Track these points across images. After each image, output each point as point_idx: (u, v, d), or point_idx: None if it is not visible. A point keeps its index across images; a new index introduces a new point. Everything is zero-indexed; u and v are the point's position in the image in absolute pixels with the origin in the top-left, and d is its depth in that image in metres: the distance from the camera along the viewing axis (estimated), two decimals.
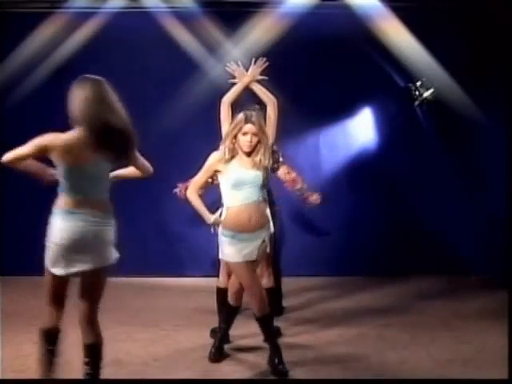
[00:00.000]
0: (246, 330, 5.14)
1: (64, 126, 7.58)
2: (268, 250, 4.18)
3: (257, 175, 4.03)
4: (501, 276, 6.32)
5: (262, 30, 6.56)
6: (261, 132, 4.05)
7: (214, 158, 4.11)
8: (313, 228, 7.08)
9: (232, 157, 4.06)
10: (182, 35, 6.71)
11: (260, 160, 4.03)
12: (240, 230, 4.00)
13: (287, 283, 6.03)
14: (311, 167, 7.05)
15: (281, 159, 5.71)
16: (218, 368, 4.34)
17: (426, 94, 6.90)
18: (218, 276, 5.86)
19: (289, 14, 6.51)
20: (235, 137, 4.05)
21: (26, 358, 4.39)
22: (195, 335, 5.06)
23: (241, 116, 4.05)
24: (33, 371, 4.18)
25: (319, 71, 6.90)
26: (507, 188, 5.81)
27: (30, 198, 7.13)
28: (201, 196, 4.24)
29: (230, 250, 4.05)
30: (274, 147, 5.71)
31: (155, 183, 7.20)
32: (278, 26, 6.53)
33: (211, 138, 6.07)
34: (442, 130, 7.09)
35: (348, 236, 7.05)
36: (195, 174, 6.38)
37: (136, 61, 6.87)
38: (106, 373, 4.23)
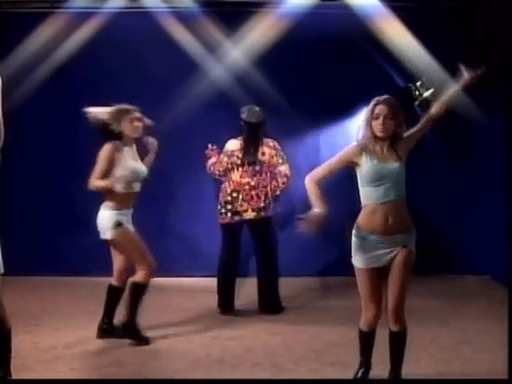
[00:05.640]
0: (245, 330, 5.15)
1: (63, 127, 7.55)
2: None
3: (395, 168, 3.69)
4: (501, 276, 6.32)
5: (262, 30, 6.55)
6: None
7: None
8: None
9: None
10: (181, 35, 6.70)
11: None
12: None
13: (287, 283, 6.04)
14: (311, 167, 7.04)
15: (284, 156, 5.74)
16: (218, 368, 4.34)
17: (426, 94, 6.89)
18: (217, 276, 5.89)
19: (289, 14, 6.50)
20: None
21: (26, 358, 4.40)
22: (195, 335, 5.06)
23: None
24: (33, 371, 4.19)
25: (319, 71, 6.90)
26: (507, 188, 5.81)
27: (30, 197, 7.15)
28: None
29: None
30: (277, 145, 5.74)
31: (155, 183, 7.23)
32: (277, 26, 6.52)
33: (211, 137, 6.11)
34: (442, 130, 7.08)
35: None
36: (195, 172, 6.37)
37: (136, 61, 6.86)
38: (106, 373, 4.23)
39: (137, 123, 4.83)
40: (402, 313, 3.80)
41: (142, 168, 4.92)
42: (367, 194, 3.72)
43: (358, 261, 3.78)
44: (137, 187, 4.86)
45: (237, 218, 5.64)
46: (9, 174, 6.86)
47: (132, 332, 4.78)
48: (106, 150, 4.71)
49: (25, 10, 6.68)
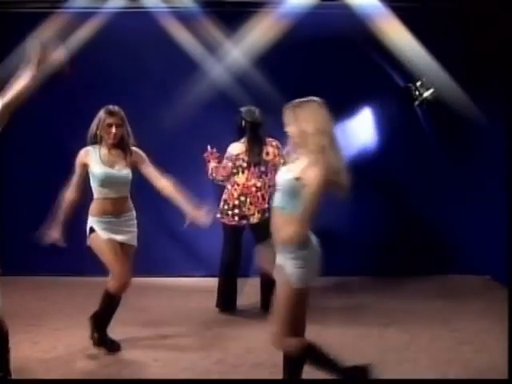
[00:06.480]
0: (246, 330, 5.15)
1: (63, 126, 7.54)
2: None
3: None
4: (501, 276, 6.32)
5: (262, 30, 6.55)
6: None
7: None
8: (313, 228, 7.06)
9: None
10: (182, 35, 6.70)
11: None
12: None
13: None
14: None
15: (281, 161, 5.72)
16: (217, 368, 4.34)
17: (426, 93, 6.90)
18: (217, 276, 5.88)
19: (289, 14, 6.50)
20: None
21: (26, 358, 4.40)
22: (195, 335, 5.06)
23: None
24: (33, 371, 4.19)
25: (319, 71, 6.90)
26: (507, 188, 5.81)
27: (30, 197, 7.14)
28: None
29: None
30: (279, 144, 5.73)
31: None
32: (277, 26, 6.52)
33: (211, 137, 6.10)
34: (442, 129, 7.08)
35: (348, 236, 7.04)
36: (196, 172, 6.39)
37: (136, 61, 6.86)
38: (106, 373, 4.24)
39: (111, 129, 4.56)
40: (281, 337, 3.64)
41: (121, 173, 4.62)
42: None
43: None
44: (117, 193, 4.62)
45: (244, 222, 5.64)
46: (9, 174, 6.88)
47: (97, 341, 4.64)
48: (77, 157, 4.66)
49: (25, 10, 6.68)
